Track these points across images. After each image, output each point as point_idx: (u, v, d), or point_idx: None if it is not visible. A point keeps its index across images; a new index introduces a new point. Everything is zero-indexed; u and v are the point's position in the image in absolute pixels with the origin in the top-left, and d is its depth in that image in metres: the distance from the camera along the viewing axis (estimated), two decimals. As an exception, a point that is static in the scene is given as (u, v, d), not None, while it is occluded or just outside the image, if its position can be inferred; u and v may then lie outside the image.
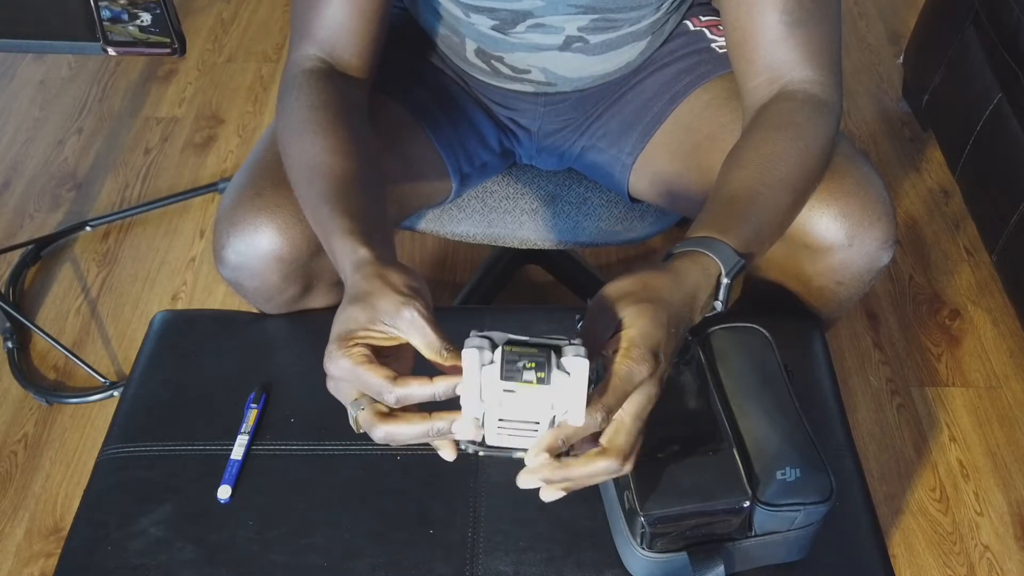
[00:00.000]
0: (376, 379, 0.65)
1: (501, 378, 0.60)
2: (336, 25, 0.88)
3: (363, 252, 0.72)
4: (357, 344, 0.66)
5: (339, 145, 0.82)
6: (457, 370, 0.63)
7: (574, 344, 0.61)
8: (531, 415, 0.62)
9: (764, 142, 0.83)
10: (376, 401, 0.66)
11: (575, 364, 0.60)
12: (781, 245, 0.86)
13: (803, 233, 0.87)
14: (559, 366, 0.61)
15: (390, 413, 0.66)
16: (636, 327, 0.66)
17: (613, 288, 0.69)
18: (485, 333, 0.62)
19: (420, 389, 0.64)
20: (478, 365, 0.60)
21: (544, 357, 0.60)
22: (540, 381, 0.60)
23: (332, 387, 0.69)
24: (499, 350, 0.61)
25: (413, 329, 0.66)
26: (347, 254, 0.73)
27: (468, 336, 0.62)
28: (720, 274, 0.74)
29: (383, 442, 0.66)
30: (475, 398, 0.61)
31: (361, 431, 0.67)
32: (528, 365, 0.60)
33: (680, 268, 0.72)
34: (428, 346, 0.66)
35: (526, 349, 0.60)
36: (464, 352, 0.61)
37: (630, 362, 0.64)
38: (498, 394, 0.61)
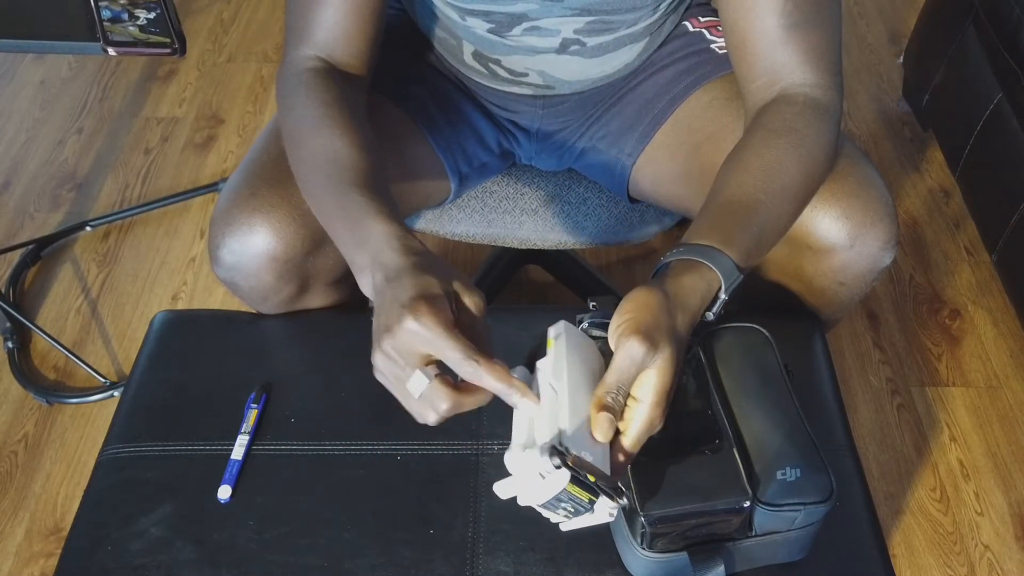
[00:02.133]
0: (461, 345, 0.64)
1: (538, 504, 0.64)
2: (333, 26, 0.88)
3: (411, 240, 0.72)
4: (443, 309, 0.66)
5: (360, 141, 0.82)
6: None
7: (621, 504, 0.64)
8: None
9: (766, 147, 0.83)
10: (439, 374, 0.66)
11: (603, 516, 0.65)
12: (783, 246, 0.85)
13: (805, 234, 0.87)
14: (592, 507, 0.65)
15: (455, 386, 0.66)
16: (663, 379, 0.67)
17: (639, 327, 0.67)
18: (555, 443, 0.63)
19: (496, 381, 0.65)
20: (534, 474, 0.63)
21: (588, 509, 0.64)
22: (566, 518, 0.66)
23: (393, 345, 0.66)
24: (561, 488, 0.62)
25: (481, 318, 0.68)
26: (389, 235, 0.71)
27: (552, 446, 0.63)
28: (720, 288, 0.74)
29: (444, 413, 0.66)
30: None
31: (418, 395, 0.66)
32: (568, 509, 0.64)
33: (688, 287, 0.72)
34: (470, 351, 0.66)
35: (580, 493, 0.63)
36: (525, 460, 0.63)
37: (653, 415, 0.67)
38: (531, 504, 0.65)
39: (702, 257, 0.74)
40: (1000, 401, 1.50)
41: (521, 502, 0.64)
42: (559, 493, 0.62)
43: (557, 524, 0.67)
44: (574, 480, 0.62)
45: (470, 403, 0.67)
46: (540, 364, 0.69)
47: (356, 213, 0.75)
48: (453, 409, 0.66)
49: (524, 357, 0.72)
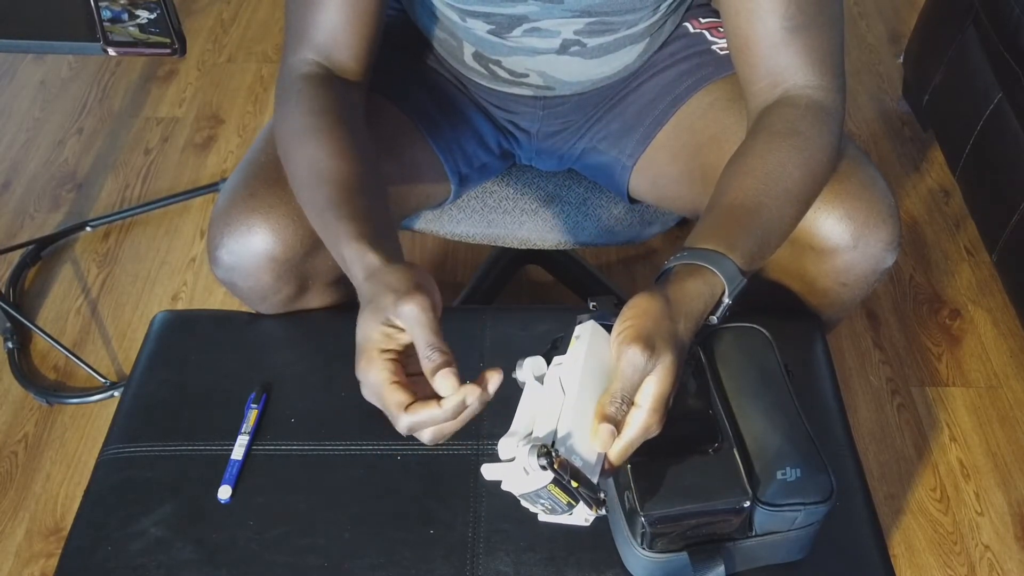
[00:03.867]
0: (391, 403, 0.67)
1: (518, 494, 0.65)
2: (333, 28, 0.88)
3: (371, 258, 0.73)
4: (385, 356, 0.68)
5: (341, 149, 0.82)
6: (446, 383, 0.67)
7: (599, 514, 0.66)
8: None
9: (769, 150, 0.82)
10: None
11: (580, 520, 0.66)
12: (786, 247, 0.85)
13: (808, 235, 0.87)
14: (570, 510, 0.66)
15: (410, 406, 0.67)
16: (662, 386, 0.67)
17: (639, 334, 0.67)
18: (546, 443, 0.64)
19: (430, 414, 0.66)
20: (519, 467, 0.64)
21: (566, 511, 0.65)
22: (543, 512, 0.67)
23: (365, 393, 0.70)
24: (542, 486, 0.63)
25: (415, 325, 0.67)
26: (357, 260, 0.73)
27: (542, 446, 0.63)
28: (723, 292, 0.74)
29: (430, 440, 0.69)
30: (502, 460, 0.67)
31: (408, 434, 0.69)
32: (546, 506, 0.65)
33: (691, 292, 0.72)
34: (424, 342, 0.67)
35: (560, 495, 0.64)
36: (516, 451, 0.64)
37: (650, 421, 0.67)
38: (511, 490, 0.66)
39: (705, 261, 0.74)
40: (1000, 401, 1.50)
41: (504, 487, 0.65)
42: (539, 490, 0.63)
43: (535, 514, 0.68)
44: (556, 483, 0.63)
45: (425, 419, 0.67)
46: (557, 359, 0.71)
47: (333, 231, 0.77)
48: (412, 430, 0.68)
49: (525, 356, 0.72)
